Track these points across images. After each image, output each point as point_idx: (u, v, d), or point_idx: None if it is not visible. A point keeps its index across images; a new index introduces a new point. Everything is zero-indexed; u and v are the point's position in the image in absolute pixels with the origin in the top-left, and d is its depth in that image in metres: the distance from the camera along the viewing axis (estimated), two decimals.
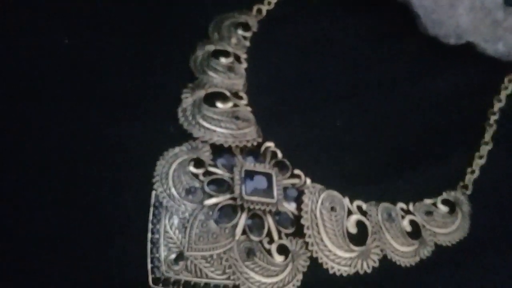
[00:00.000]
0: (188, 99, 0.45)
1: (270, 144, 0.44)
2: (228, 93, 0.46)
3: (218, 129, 0.44)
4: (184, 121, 0.44)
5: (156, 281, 0.39)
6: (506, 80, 0.51)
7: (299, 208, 0.42)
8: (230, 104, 0.45)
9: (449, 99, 0.50)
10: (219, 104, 0.45)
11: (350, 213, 0.43)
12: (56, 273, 0.39)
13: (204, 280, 0.39)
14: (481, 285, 0.44)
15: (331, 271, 0.41)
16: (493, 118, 0.50)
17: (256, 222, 0.41)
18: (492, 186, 0.48)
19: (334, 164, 0.46)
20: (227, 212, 0.41)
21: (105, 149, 0.42)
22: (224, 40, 0.48)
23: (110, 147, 0.42)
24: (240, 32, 0.50)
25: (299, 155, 0.45)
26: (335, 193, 0.43)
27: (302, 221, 0.42)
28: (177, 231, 0.40)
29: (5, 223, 0.39)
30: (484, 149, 0.48)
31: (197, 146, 0.43)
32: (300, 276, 0.41)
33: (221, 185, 0.42)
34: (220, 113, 0.45)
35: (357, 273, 0.42)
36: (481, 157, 0.48)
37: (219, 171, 0.42)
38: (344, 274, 0.41)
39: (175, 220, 0.40)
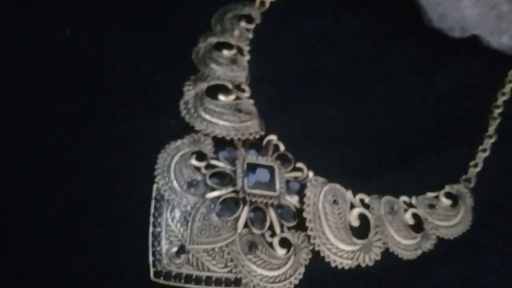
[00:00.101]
0: (190, 92, 0.45)
1: (272, 137, 0.44)
2: (230, 86, 0.45)
3: (220, 122, 0.44)
4: (186, 114, 0.44)
5: (157, 274, 0.39)
6: (510, 73, 0.51)
7: (301, 201, 0.42)
8: (232, 97, 0.45)
9: (453, 92, 0.50)
10: (221, 97, 0.45)
11: (352, 206, 0.43)
12: (57, 266, 0.39)
13: (206, 274, 0.39)
14: (483, 278, 0.44)
15: (333, 264, 0.41)
16: (497, 111, 0.50)
17: (258, 215, 0.41)
18: (495, 180, 0.47)
19: (337, 157, 0.45)
20: (229, 205, 0.41)
21: (106, 142, 0.42)
22: (226, 32, 0.48)
23: (112, 140, 0.42)
24: (243, 24, 0.49)
25: (302, 148, 0.44)
26: (338, 186, 0.43)
27: (305, 214, 0.42)
28: (178, 224, 0.40)
29: (5, 218, 0.39)
30: (488, 142, 0.48)
31: (199, 139, 0.43)
32: (302, 269, 0.41)
33: (223, 178, 0.42)
34: (223, 105, 0.44)
35: (359, 266, 0.42)
36: (484, 150, 0.48)
37: (221, 164, 0.42)
38: (346, 267, 0.41)
39: (177, 213, 0.40)
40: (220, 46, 0.47)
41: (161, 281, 0.39)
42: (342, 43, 0.50)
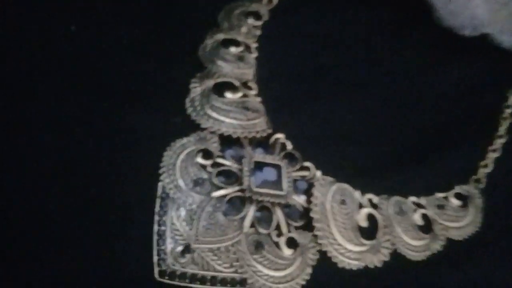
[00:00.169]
0: (196, 89, 0.44)
1: (280, 136, 0.44)
2: (237, 83, 0.45)
3: (226, 120, 0.43)
4: (192, 112, 0.43)
5: (162, 274, 0.38)
6: None
7: (308, 201, 0.42)
8: (239, 94, 0.45)
9: (463, 92, 0.49)
10: (228, 94, 0.44)
11: (360, 206, 0.43)
12: (61, 264, 0.38)
13: (211, 273, 0.39)
14: (492, 280, 0.43)
15: (340, 265, 0.41)
16: (507, 111, 0.49)
17: (264, 214, 0.40)
18: (505, 180, 0.47)
19: (345, 156, 0.45)
20: (235, 204, 0.40)
21: (111, 139, 0.42)
22: (234, 29, 0.48)
23: (117, 138, 0.42)
24: (250, 21, 0.49)
25: (309, 147, 0.44)
26: (346, 186, 0.43)
27: (312, 214, 0.41)
28: (184, 223, 0.39)
29: (9, 214, 0.39)
30: (498, 143, 0.48)
31: (205, 137, 0.42)
32: (309, 270, 0.40)
33: (229, 177, 0.41)
34: (229, 103, 0.44)
35: (367, 267, 0.41)
36: (494, 151, 0.47)
37: (228, 163, 0.42)
38: (354, 268, 0.41)
39: (182, 212, 0.40)
40: (227, 43, 0.47)
41: (166, 280, 0.38)
42: (351, 41, 0.50)
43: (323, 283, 0.41)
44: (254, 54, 0.47)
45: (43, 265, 0.38)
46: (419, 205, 0.44)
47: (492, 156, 0.47)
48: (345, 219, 0.42)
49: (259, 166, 0.41)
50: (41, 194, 0.40)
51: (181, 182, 0.40)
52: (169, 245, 0.39)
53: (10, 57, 0.44)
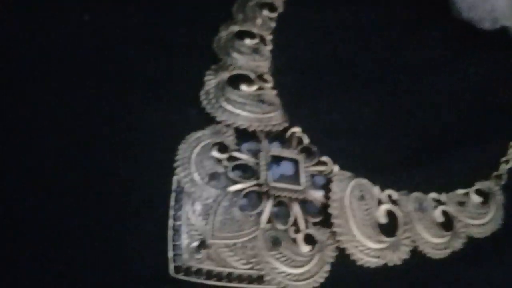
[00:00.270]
0: (211, 82, 0.43)
1: (296, 129, 0.43)
2: (253, 76, 0.44)
3: (242, 113, 0.42)
4: (207, 104, 0.42)
5: (177, 270, 0.38)
6: None
7: (326, 196, 0.41)
8: (255, 87, 0.44)
9: (483, 86, 0.48)
10: (243, 87, 0.44)
11: (380, 202, 0.41)
12: (74, 259, 0.38)
13: (227, 270, 0.38)
14: None
15: (359, 263, 0.40)
16: None
17: (282, 210, 0.39)
18: None
19: (364, 151, 0.44)
20: (252, 199, 0.39)
21: (125, 133, 0.41)
22: (249, 20, 0.47)
23: (131, 131, 0.41)
24: (265, 12, 0.48)
25: (327, 141, 0.43)
26: (365, 181, 0.42)
27: (330, 210, 0.40)
28: (199, 218, 0.39)
29: (20, 208, 0.39)
30: None
31: (221, 130, 0.41)
32: (327, 267, 0.39)
33: (245, 171, 0.40)
34: (245, 96, 0.43)
35: (386, 265, 0.40)
36: None
37: (244, 156, 0.41)
38: (373, 266, 0.40)
39: (198, 207, 0.39)
40: (242, 34, 0.46)
41: (181, 276, 0.37)
42: (368, 33, 0.49)
43: (341, 281, 0.40)
44: (269, 46, 0.46)
45: (56, 261, 0.38)
46: (439, 202, 0.43)
47: None
48: (364, 216, 0.41)
49: (276, 160, 0.40)
50: (54, 189, 0.39)
51: (196, 176, 0.39)
52: (184, 240, 0.38)
53: (22, 48, 0.43)
